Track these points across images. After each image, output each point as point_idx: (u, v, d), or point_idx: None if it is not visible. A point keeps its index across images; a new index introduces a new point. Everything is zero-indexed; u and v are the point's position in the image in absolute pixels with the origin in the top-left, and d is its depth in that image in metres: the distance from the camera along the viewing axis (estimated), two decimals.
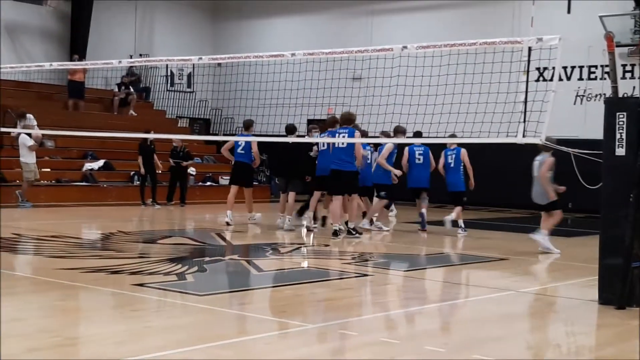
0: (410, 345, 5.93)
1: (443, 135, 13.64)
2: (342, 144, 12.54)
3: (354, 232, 13.15)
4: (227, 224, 14.28)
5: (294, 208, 14.26)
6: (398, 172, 14.16)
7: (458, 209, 14.14)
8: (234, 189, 14.85)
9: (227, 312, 6.85)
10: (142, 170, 18.37)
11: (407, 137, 14.55)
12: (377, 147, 14.55)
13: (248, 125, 14.94)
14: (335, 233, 12.79)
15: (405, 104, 13.65)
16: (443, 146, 14.62)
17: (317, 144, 13.59)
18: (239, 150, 14.67)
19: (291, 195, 14.15)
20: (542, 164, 11.59)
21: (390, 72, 13.72)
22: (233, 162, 15.09)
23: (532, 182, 11.87)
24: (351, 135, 12.57)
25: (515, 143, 8.70)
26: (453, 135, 13.61)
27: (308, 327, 6.39)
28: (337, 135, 12.75)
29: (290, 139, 14.00)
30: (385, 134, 14.78)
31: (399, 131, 14.06)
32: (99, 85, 23.88)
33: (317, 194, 13.84)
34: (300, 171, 14.26)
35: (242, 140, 14.63)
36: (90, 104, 23.09)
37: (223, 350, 5.48)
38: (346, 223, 13.22)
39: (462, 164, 14.36)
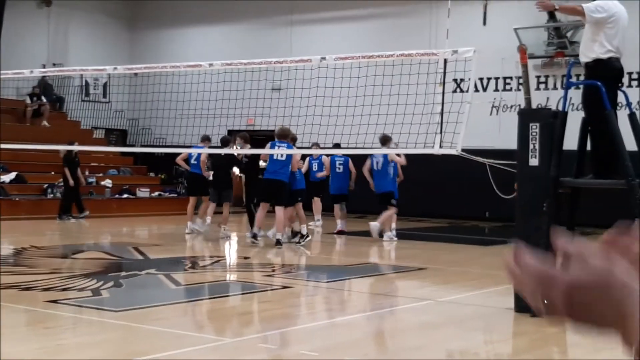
0: (330, 357, 5.90)
1: (362, 145, 13.77)
2: (281, 157, 12.96)
3: (280, 244, 13.15)
4: (189, 233, 14.70)
5: (228, 218, 14.57)
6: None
7: (388, 213, 14.34)
8: (192, 199, 15.21)
9: (144, 328, 6.70)
10: (71, 182, 17.85)
11: (327, 148, 14.86)
12: (304, 157, 14.98)
13: (204, 138, 15.41)
14: (255, 236, 13.11)
15: (324, 114, 13.74)
16: (362, 155, 14.90)
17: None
18: (192, 161, 15.15)
19: (226, 205, 14.52)
20: None
21: (309, 82, 13.79)
22: (188, 173, 15.56)
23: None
24: (289, 149, 13.11)
25: (432, 154, 8.81)
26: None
27: (227, 341, 6.31)
28: (276, 148, 13.12)
29: (224, 151, 14.42)
30: (316, 145, 15.18)
31: (388, 140, 14.26)
32: (10, 96, 23.17)
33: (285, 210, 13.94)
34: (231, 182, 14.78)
35: (195, 151, 15.08)
36: (2, 114, 22.40)
37: None
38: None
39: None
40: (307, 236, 13.81)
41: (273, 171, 13.02)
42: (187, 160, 15.37)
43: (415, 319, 7.66)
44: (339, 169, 15.42)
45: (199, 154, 14.80)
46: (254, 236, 13.03)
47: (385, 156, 14.20)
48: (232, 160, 14.52)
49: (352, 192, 16.17)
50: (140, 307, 7.85)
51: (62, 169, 17.93)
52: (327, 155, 15.80)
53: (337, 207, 15.65)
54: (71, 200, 18.05)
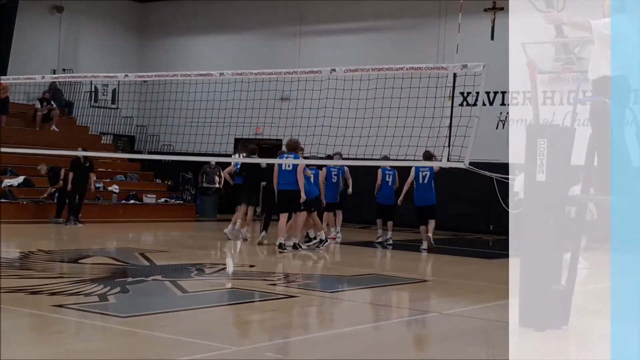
0: None
1: (370, 157, 13.85)
2: (289, 167, 13.58)
3: (298, 247, 13.81)
4: (244, 239, 15.35)
5: (250, 221, 15.60)
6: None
7: (432, 226, 15.04)
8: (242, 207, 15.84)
9: (150, 335, 6.74)
10: (70, 187, 17.93)
11: (322, 159, 15.37)
12: (321, 167, 15.64)
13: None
14: (281, 246, 13.47)
15: (333, 125, 13.83)
16: (366, 167, 15.32)
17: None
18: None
19: (251, 208, 15.40)
20: None
21: (318, 94, 13.88)
22: (233, 184, 16.48)
23: None
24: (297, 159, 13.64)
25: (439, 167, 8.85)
26: (385, 158, 14.25)
27: (233, 349, 6.35)
28: (285, 159, 13.63)
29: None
30: (338, 155, 15.57)
31: (432, 155, 14.51)
32: (20, 100, 23.30)
33: (302, 215, 14.25)
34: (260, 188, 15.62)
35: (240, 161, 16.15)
36: (12, 118, 22.52)
37: None
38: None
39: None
40: (326, 241, 14.54)
41: (285, 182, 13.63)
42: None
43: (419, 331, 7.68)
44: (334, 179, 16.29)
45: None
46: (281, 246, 13.45)
47: (431, 169, 14.63)
48: (271, 168, 14.86)
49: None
50: (147, 313, 7.90)
51: (67, 173, 18.02)
52: (348, 166, 16.30)
53: (330, 214, 16.44)
54: (64, 203, 18.12)
